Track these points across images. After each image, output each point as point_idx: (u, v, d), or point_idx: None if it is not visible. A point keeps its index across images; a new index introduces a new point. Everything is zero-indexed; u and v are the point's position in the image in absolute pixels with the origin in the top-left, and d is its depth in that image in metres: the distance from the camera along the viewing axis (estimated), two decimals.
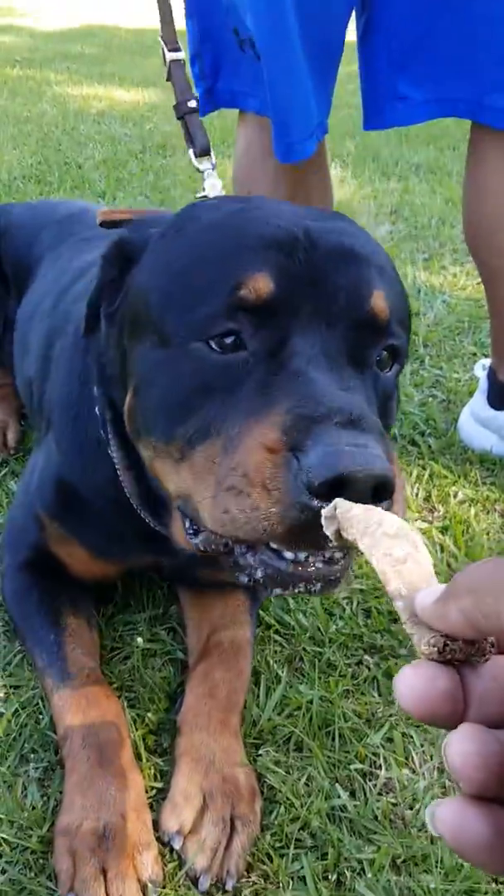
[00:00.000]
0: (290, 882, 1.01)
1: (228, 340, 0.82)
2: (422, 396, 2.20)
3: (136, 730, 1.20)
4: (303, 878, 1.02)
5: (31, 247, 1.84)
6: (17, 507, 1.43)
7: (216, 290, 0.82)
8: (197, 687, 1.20)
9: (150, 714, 1.22)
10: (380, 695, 1.29)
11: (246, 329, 0.81)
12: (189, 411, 0.83)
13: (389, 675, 1.32)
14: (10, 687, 1.28)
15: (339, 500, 0.57)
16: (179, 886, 1.00)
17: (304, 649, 1.36)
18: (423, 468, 1.87)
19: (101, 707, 1.15)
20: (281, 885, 1.01)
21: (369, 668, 1.34)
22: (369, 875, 1.01)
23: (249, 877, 1.02)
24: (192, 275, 0.87)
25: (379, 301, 0.86)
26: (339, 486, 0.64)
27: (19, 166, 4.05)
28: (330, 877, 1.02)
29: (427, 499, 1.79)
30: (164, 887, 0.99)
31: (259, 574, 0.78)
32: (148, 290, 0.93)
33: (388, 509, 0.60)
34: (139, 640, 1.37)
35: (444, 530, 1.68)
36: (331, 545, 0.63)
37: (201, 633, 1.32)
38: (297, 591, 0.77)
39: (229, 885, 0.99)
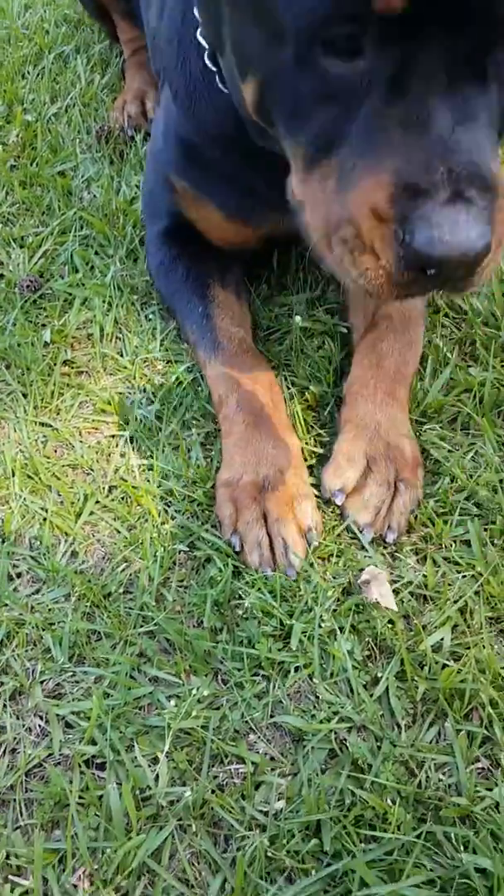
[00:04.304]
0: (454, 544, 1.00)
1: (348, 45, 0.73)
2: None
3: (297, 404, 1.17)
4: (467, 542, 1.00)
5: None
6: (149, 173, 1.33)
7: None
8: (364, 358, 1.13)
9: (311, 388, 1.18)
10: None
11: (368, 38, 0.72)
12: (308, 114, 0.79)
13: None
14: (168, 361, 1.26)
15: None
16: (340, 540, 1.01)
17: (476, 333, 1.25)
18: None
19: (254, 374, 1.12)
20: (444, 546, 1.00)
21: None
22: None
23: (411, 536, 1.02)
24: None
25: None
26: (438, 266, 0.71)
27: None
28: (496, 542, 0.99)
29: None
30: (325, 539, 1.01)
31: None
32: None
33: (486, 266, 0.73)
34: (297, 318, 1.29)
35: None
36: None
37: (368, 309, 1.22)
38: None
39: (390, 539, 1.00)
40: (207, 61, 1.01)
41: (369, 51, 0.72)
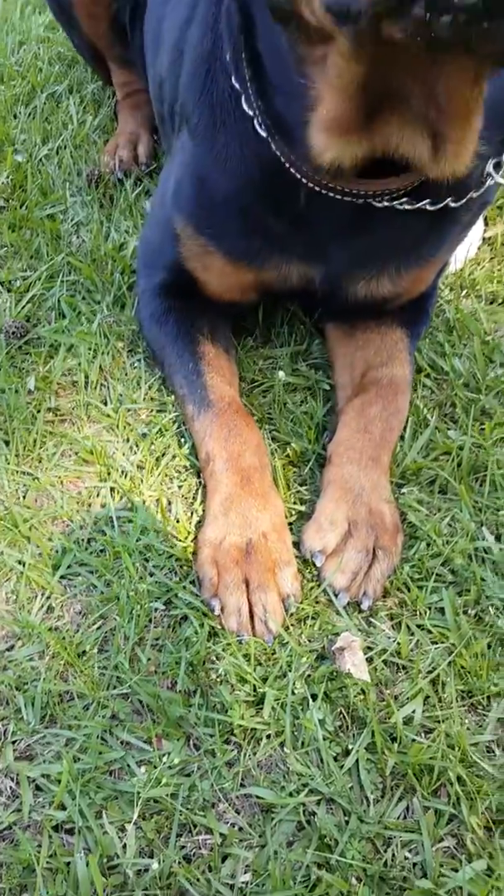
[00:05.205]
0: (428, 611, 1.01)
1: None
2: None
3: (277, 459, 1.18)
4: (441, 610, 1.01)
5: None
6: (151, 226, 1.33)
7: None
8: (352, 420, 1.15)
9: (292, 444, 1.20)
10: None
11: None
12: None
13: None
14: (154, 411, 1.27)
15: None
16: (316, 603, 1.02)
17: (456, 395, 1.27)
18: None
19: (243, 434, 1.13)
20: (418, 612, 1.01)
21: None
22: None
23: (386, 602, 1.03)
24: None
25: None
26: None
27: None
28: (470, 611, 1.01)
29: None
30: (301, 602, 1.02)
31: None
32: None
33: None
34: (281, 373, 1.31)
35: None
36: None
37: (354, 371, 1.25)
38: None
39: (365, 605, 1.01)
40: (235, 82, 1.02)
41: None
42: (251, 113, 1.02)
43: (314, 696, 0.92)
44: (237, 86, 1.03)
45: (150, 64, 1.50)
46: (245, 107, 1.02)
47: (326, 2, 0.73)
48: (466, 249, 1.47)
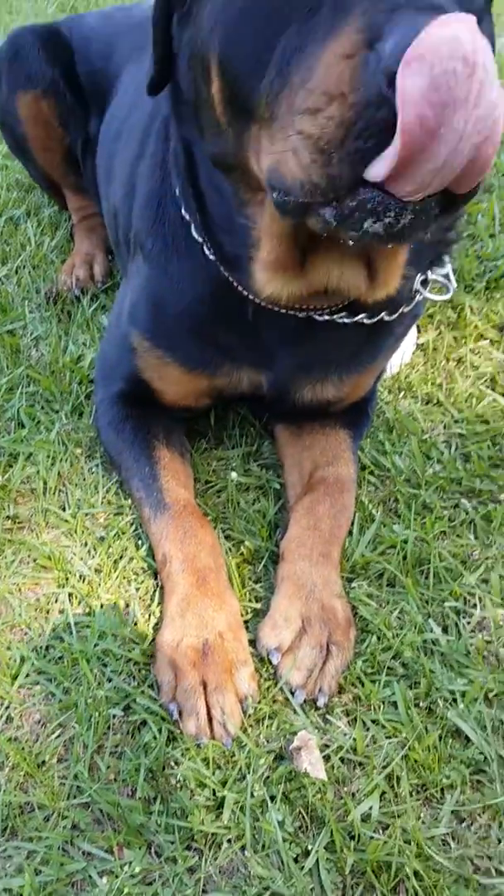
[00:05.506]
0: (382, 706, 1.04)
1: None
2: None
3: (232, 558, 1.23)
4: (394, 704, 1.04)
5: (110, 58, 1.71)
6: (109, 340, 1.41)
7: None
8: (302, 519, 1.21)
9: (246, 542, 1.24)
10: (476, 538, 1.27)
11: None
12: (271, 51, 0.78)
13: (488, 519, 1.29)
14: (111, 514, 1.31)
15: None
16: (274, 702, 1.05)
17: (399, 491, 1.34)
18: None
19: (198, 535, 1.18)
20: (372, 707, 1.04)
21: (467, 512, 1.31)
22: (461, 706, 1.02)
23: (341, 697, 1.06)
24: None
25: None
26: None
27: None
28: (421, 704, 1.04)
29: None
30: (259, 702, 1.04)
31: (354, 206, 0.74)
32: None
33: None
34: (233, 474, 1.37)
35: None
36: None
37: (303, 470, 1.32)
38: (390, 217, 0.74)
39: (321, 702, 1.03)
40: (184, 213, 1.12)
41: None
42: (200, 240, 1.12)
43: (273, 798, 0.93)
44: (187, 216, 1.13)
45: (104, 195, 1.62)
46: (195, 234, 1.13)
47: (275, 200, 0.84)
48: (402, 355, 1.58)
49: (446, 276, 1.35)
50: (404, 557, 1.23)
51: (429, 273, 1.24)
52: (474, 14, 0.81)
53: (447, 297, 1.25)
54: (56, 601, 1.18)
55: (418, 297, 1.22)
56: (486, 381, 1.58)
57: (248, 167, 0.91)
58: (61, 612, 1.17)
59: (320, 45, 0.72)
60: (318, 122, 0.71)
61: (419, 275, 1.20)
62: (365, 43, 0.68)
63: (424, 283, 1.23)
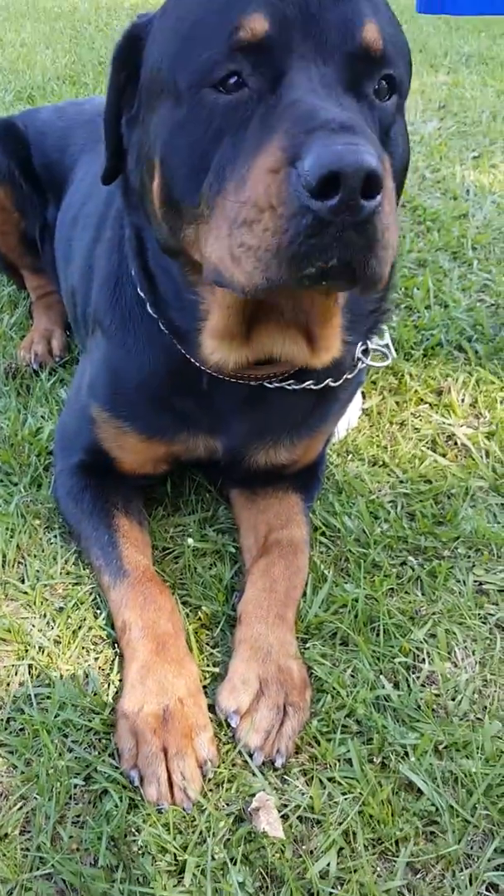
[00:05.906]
0: (337, 763, 1.07)
1: (231, 81, 0.87)
2: (469, 301, 2.15)
3: (190, 623, 1.26)
4: (349, 761, 1.08)
5: (65, 150, 1.82)
6: (69, 412, 1.47)
7: (216, 37, 0.88)
8: (258, 581, 1.25)
9: (203, 607, 1.28)
10: (423, 594, 1.33)
11: (246, 69, 0.87)
12: (207, 160, 0.89)
13: (434, 575, 1.35)
14: (70, 584, 1.34)
15: None
16: (233, 765, 1.07)
17: (349, 550, 1.40)
18: (470, 374, 1.85)
19: (157, 602, 1.21)
20: (328, 765, 1.07)
21: (413, 569, 1.37)
22: (413, 759, 1.06)
23: (298, 757, 1.09)
24: (195, 29, 0.92)
25: (371, 32, 0.89)
26: (335, 183, 0.74)
27: (53, 67, 3.93)
28: (375, 760, 1.08)
29: (473, 405, 1.78)
30: (218, 766, 1.06)
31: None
32: (160, 57, 0.97)
33: (379, 205, 0.76)
34: (189, 540, 1.41)
35: (490, 436, 1.67)
36: None
37: (258, 534, 1.37)
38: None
39: (279, 763, 1.06)
40: (140, 292, 1.21)
41: (250, 78, 0.87)
42: (155, 316, 1.20)
43: (233, 860, 0.95)
44: (143, 295, 1.22)
45: (63, 276, 1.71)
46: (151, 311, 1.20)
47: (208, 276, 0.93)
48: (348, 420, 1.66)
49: (386, 346, 1.45)
50: (356, 616, 1.28)
51: (369, 343, 1.33)
52: (385, 126, 0.93)
53: (387, 363, 1.34)
54: (16, 673, 1.20)
55: (361, 365, 1.31)
56: (427, 442, 1.67)
57: (189, 255, 1.00)
58: (21, 684, 1.18)
59: (250, 157, 0.83)
60: (255, 233, 0.80)
61: (360, 344, 1.30)
62: (287, 161, 0.78)
63: (366, 352, 1.32)
